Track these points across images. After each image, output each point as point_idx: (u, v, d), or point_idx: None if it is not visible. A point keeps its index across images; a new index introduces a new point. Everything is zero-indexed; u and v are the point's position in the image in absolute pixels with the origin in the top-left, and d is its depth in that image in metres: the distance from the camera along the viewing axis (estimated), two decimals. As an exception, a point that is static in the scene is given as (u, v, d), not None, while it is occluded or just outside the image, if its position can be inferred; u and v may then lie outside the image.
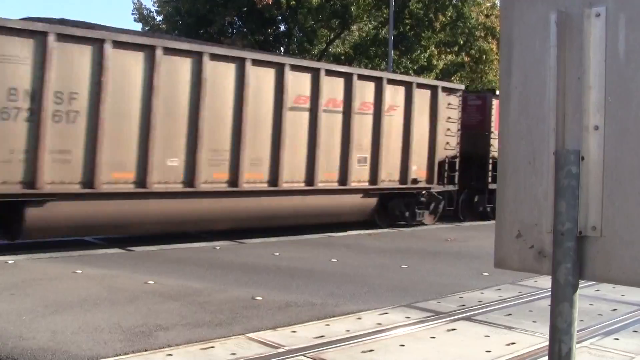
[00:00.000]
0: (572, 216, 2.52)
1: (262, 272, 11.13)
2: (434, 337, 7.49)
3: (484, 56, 39.70)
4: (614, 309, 8.99)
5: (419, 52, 36.66)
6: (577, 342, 7.33)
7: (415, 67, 36.22)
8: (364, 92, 17.43)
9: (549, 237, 2.62)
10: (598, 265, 2.56)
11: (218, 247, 14.07)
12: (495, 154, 19.87)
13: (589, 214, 2.55)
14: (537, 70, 2.72)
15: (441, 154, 19.66)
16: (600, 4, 2.58)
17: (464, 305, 9.04)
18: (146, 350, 6.56)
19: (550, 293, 2.64)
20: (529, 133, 2.73)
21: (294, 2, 34.25)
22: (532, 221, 2.71)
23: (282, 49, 36.40)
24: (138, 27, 41.20)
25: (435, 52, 38.12)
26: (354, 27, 39.79)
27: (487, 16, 40.17)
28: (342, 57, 36.55)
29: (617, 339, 7.70)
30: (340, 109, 16.86)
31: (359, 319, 8.19)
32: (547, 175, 2.64)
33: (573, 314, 2.55)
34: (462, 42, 38.54)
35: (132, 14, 40.97)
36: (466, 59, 40.36)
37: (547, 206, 2.63)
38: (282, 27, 37.86)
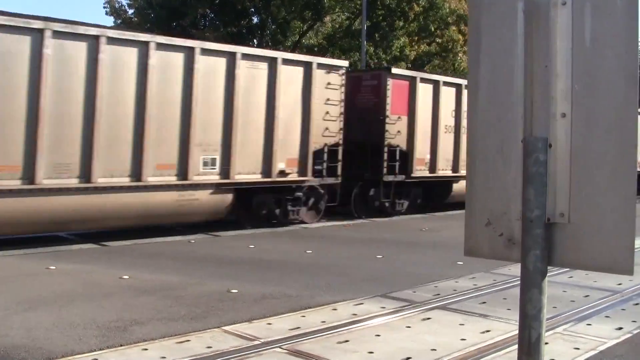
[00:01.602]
0: (541, 203, 2.54)
1: (238, 265, 11.13)
2: (409, 327, 7.54)
3: (451, 46, 39.77)
4: (587, 295, 9.08)
5: (392, 42, 36.69)
6: (551, 329, 7.42)
7: (388, 58, 36.25)
8: (217, 68, 15.60)
9: (518, 225, 2.64)
10: (566, 252, 2.58)
11: (193, 241, 14.03)
12: (392, 141, 19.57)
13: (557, 201, 2.57)
14: (505, 59, 2.73)
15: (319, 141, 17.82)
16: (567, -7, 2.60)
17: (439, 294, 9.09)
18: (121, 346, 6.53)
19: (522, 280, 2.66)
20: (497, 121, 2.74)
21: (267, -7, 34.11)
22: (501, 209, 2.72)
23: (255, 41, 36.19)
24: (110, 20, 40.86)
25: (408, 42, 38.10)
26: (327, 19, 39.70)
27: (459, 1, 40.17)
28: (316, 49, 36.44)
29: (589, 324, 7.79)
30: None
31: (335, 309, 8.22)
32: (515, 163, 2.65)
33: (542, 300, 2.57)
34: (433, 28, 38.54)
35: (104, 7, 40.55)
36: (435, 46, 40.42)
37: (516, 194, 2.64)
38: (255, 19, 37.66)
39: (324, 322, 7.59)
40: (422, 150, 20.62)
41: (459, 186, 21.16)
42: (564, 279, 9.77)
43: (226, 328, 7.22)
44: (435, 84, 21.17)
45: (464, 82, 20.71)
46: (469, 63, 2.93)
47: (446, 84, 21.54)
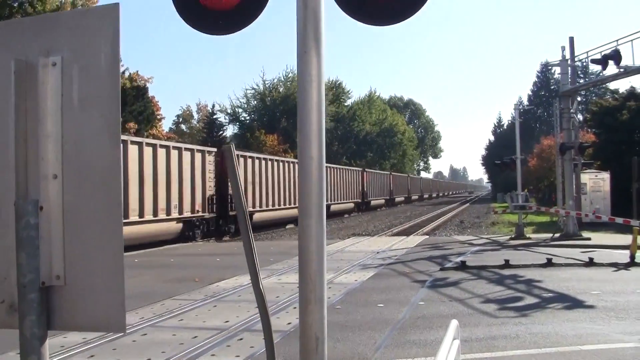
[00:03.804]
0: (34, 267, 2.48)
1: None
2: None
3: None
4: (195, 336, 9.24)
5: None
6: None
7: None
8: None
9: (17, 290, 2.54)
10: (65, 314, 2.54)
11: None
12: None
13: (52, 264, 2.52)
14: (0, 119, 2.64)
15: None
16: (57, 54, 2.59)
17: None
18: None
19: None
20: (-7, 185, 2.63)
21: None
22: (2, 275, 2.61)
23: None
24: None
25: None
26: None
27: None
28: None
29: (194, 365, 7.96)
30: None
31: None
32: (12, 227, 2.55)
33: (42, 367, 2.50)
34: None
35: None
36: None
37: (14, 259, 2.55)
38: None
39: None
40: None
41: None
42: (174, 323, 9.90)
43: None
44: None
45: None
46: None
47: None
